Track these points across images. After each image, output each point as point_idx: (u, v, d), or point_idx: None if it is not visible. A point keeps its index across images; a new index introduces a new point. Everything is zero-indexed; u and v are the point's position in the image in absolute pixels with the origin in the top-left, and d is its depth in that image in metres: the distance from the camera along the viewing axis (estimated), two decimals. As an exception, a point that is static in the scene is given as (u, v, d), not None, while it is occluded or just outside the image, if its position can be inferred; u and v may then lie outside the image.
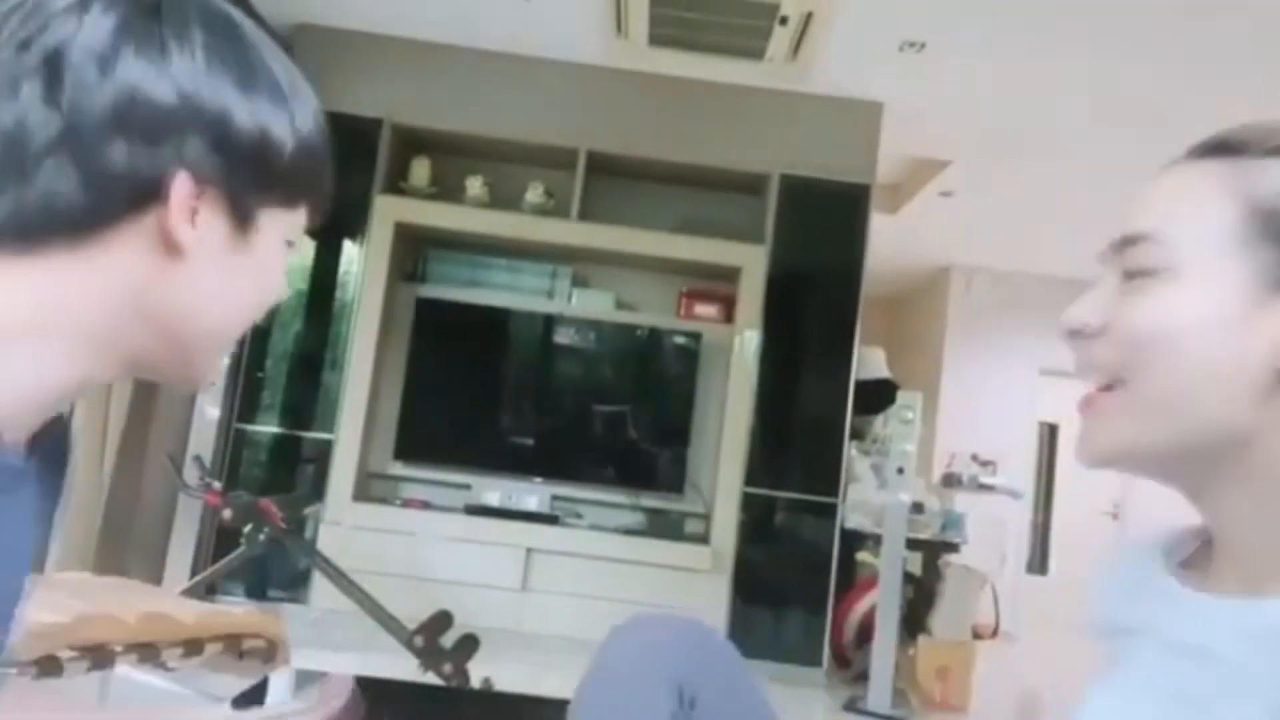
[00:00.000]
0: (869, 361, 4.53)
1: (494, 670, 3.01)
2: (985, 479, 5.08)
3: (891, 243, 6.24)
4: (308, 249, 4.15)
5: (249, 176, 0.59)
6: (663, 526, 4.18)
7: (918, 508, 4.29)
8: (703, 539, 4.08)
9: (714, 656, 1.11)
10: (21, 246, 0.54)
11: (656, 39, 3.82)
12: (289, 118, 0.62)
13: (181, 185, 0.56)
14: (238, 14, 0.61)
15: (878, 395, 4.50)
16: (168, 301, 0.58)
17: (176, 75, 0.56)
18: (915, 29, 3.57)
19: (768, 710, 1.10)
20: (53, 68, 0.53)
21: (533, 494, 4.13)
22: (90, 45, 0.53)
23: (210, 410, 3.99)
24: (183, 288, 0.58)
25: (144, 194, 0.55)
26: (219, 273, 0.59)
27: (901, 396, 3.95)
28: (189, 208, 0.56)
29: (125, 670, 1.83)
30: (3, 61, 0.53)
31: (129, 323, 0.57)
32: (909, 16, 3.48)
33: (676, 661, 1.08)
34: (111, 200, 0.55)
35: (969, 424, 6.81)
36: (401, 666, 2.94)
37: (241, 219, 0.60)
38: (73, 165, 0.53)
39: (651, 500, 4.23)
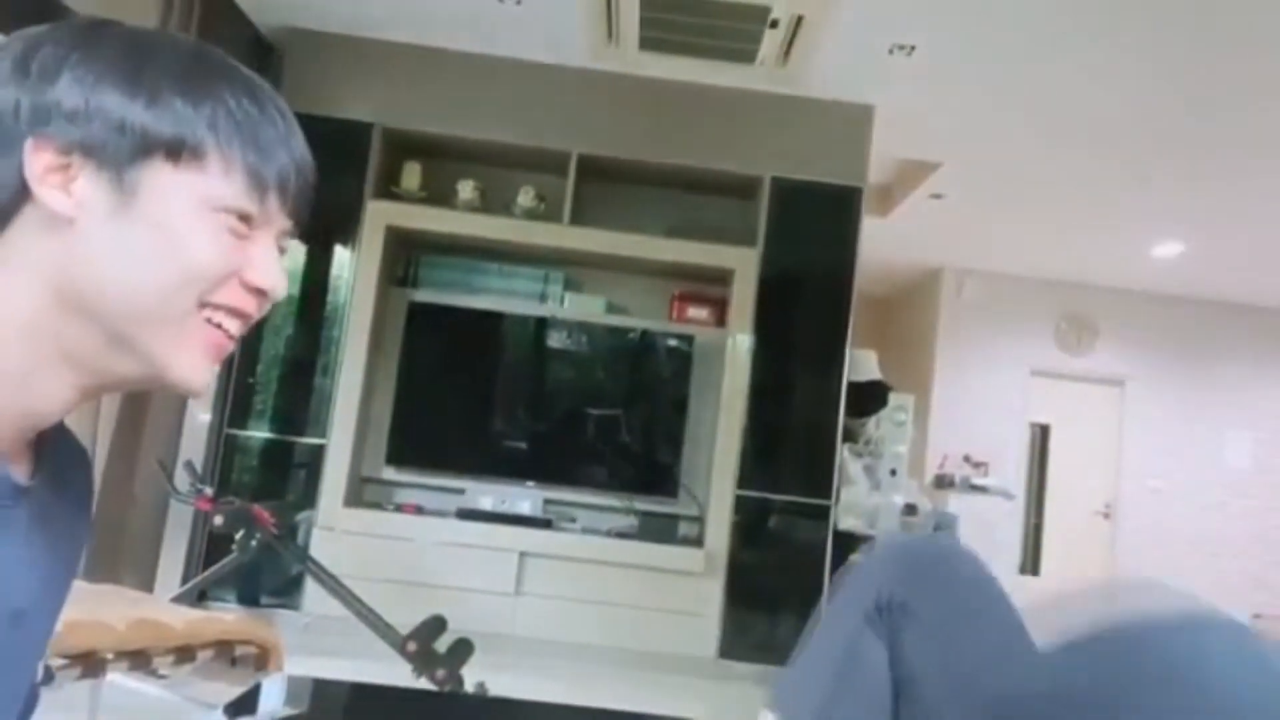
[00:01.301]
0: (861, 363, 4.54)
1: (488, 675, 3.00)
2: (977, 480, 5.09)
3: (883, 245, 6.25)
4: (299, 254, 4.15)
5: (109, 137, 0.59)
6: (656, 530, 4.18)
7: (910, 509, 4.29)
8: (696, 542, 4.07)
9: (928, 564, 1.23)
10: None
11: (647, 43, 3.83)
12: (136, 78, 0.61)
13: (34, 153, 0.58)
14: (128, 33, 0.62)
15: (870, 397, 4.51)
16: (75, 277, 0.59)
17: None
18: (905, 32, 3.58)
19: (1003, 607, 1.15)
20: None
21: (526, 498, 4.12)
22: None
23: (201, 415, 3.97)
24: (83, 261, 0.59)
25: (16, 181, 0.58)
26: (112, 238, 0.59)
27: (894, 398, 3.96)
28: (56, 175, 0.58)
29: (116, 678, 1.82)
30: None
31: (51, 310, 0.59)
32: (899, 20, 3.50)
33: (878, 572, 1.20)
34: None
35: (961, 425, 6.83)
36: (395, 672, 2.92)
37: (118, 181, 0.59)
38: None
39: (645, 503, 4.23)
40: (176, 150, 0.60)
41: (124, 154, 0.59)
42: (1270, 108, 3.84)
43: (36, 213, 0.58)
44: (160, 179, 0.60)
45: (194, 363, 0.62)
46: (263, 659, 2.03)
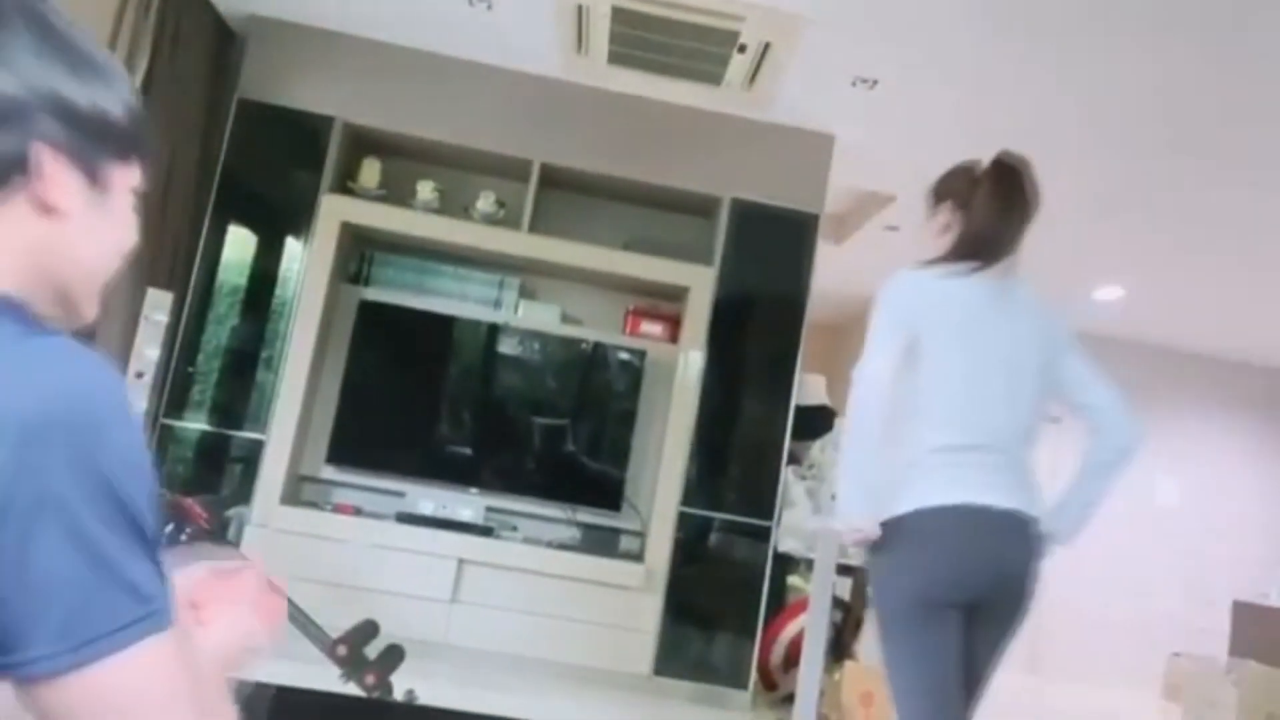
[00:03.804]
0: (809, 387, 4.59)
1: (418, 683, 2.96)
2: (916, 508, 5.18)
3: (836, 272, 6.34)
4: (248, 244, 4.07)
5: (95, 142, 0.70)
6: (597, 542, 4.17)
7: (850, 534, 4.34)
8: (637, 557, 4.07)
9: None
10: None
11: (616, 57, 3.85)
12: (115, 91, 0.73)
13: (48, 158, 0.67)
14: (51, 8, 0.71)
15: (816, 421, 4.56)
16: (59, 258, 0.69)
17: (17, 69, 0.66)
18: (868, 66, 3.65)
19: None
20: None
21: (467, 504, 4.08)
22: None
23: (136, 403, 3.86)
24: (67, 245, 0.70)
25: (9, 170, 0.66)
26: (89, 227, 0.71)
27: (839, 423, 4.01)
28: (61, 174, 0.68)
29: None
30: None
31: (27, 281, 0.67)
32: (863, 54, 3.57)
33: None
34: None
35: (903, 454, 6.94)
36: (322, 676, 2.87)
37: (96, 179, 0.71)
38: None
39: (587, 516, 4.22)
40: (129, 149, 0.74)
41: (108, 160, 0.72)
42: (1208, 169, 3.99)
43: (29, 200, 0.67)
44: (118, 175, 0.73)
45: (95, 306, 0.76)
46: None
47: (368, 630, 2.93)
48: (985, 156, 2.10)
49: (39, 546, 0.58)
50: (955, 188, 2.06)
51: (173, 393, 3.91)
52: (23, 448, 0.57)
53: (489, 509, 4.12)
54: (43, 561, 0.58)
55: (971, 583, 1.87)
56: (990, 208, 1.98)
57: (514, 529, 4.16)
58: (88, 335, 0.75)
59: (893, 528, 1.88)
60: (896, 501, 1.88)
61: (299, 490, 4.09)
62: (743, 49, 3.59)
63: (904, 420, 1.90)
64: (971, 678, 1.95)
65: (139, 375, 3.48)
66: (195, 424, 3.95)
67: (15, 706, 0.72)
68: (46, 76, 0.67)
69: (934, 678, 1.88)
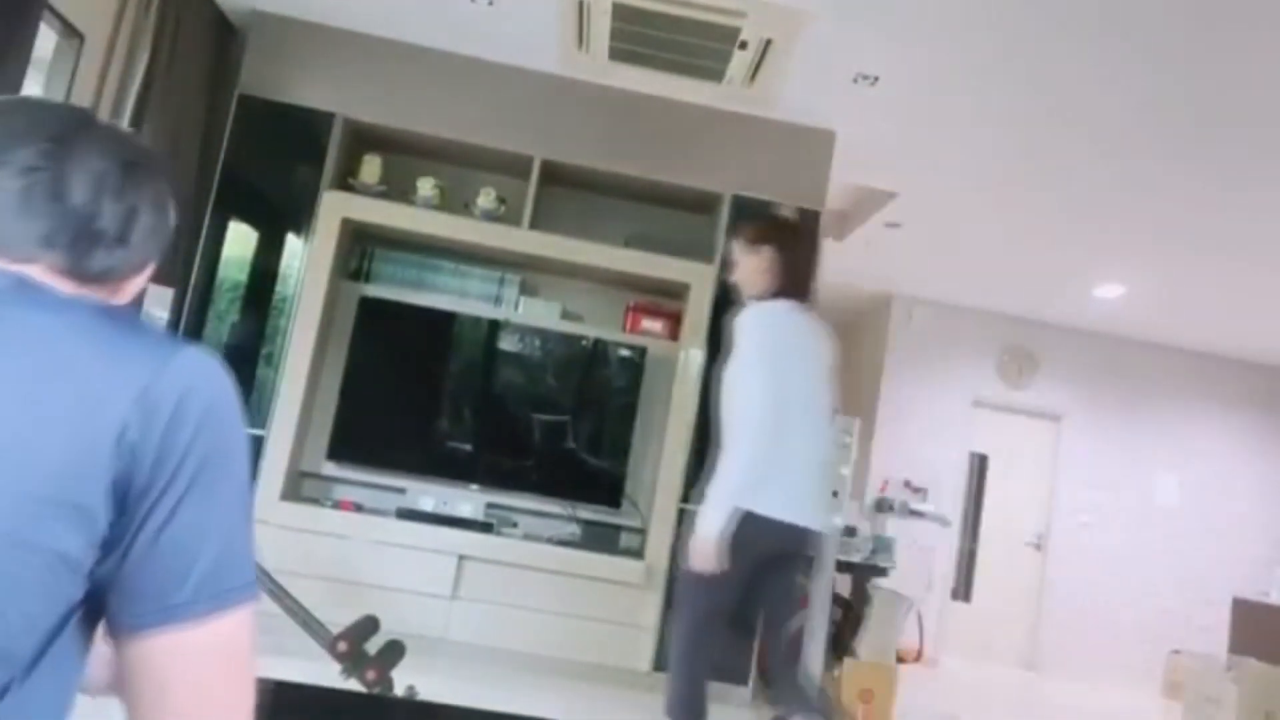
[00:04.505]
0: (809, 385, 4.59)
1: (419, 679, 2.96)
2: (916, 506, 5.18)
3: (837, 269, 6.35)
4: (249, 240, 4.07)
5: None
6: (598, 539, 4.17)
7: (850, 531, 4.35)
8: (637, 554, 4.07)
9: None
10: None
11: (617, 54, 3.85)
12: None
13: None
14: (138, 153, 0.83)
15: (816, 418, 4.56)
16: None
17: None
18: (869, 63, 3.65)
19: None
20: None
21: (468, 501, 4.08)
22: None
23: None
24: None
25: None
26: None
27: (840, 421, 4.01)
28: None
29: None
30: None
31: None
32: (864, 51, 3.56)
33: None
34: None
35: (903, 451, 6.95)
36: (323, 672, 2.87)
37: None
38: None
39: (588, 512, 4.22)
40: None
41: None
42: (1208, 167, 3.99)
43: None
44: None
45: None
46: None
47: (368, 626, 2.93)
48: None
49: (216, 496, 0.70)
50: (775, 236, 2.52)
51: (173, 389, 3.91)
52: (206, 415, 0.71)
53: (489, 505, 4.13)
54: (217, 510, 0.70)
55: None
56: (807, 255, 2.55)
57: (514, 525, 4.16)
58: None
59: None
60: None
61: (299, 486, 4.09)
62: (744, 45, 3.58)
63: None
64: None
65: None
66: (196, 420, 3.95)
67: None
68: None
69: None
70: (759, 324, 2.36)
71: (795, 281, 2.46)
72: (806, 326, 2.45)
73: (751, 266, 2.49)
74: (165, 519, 0.68)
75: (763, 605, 2.54)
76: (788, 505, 2.32)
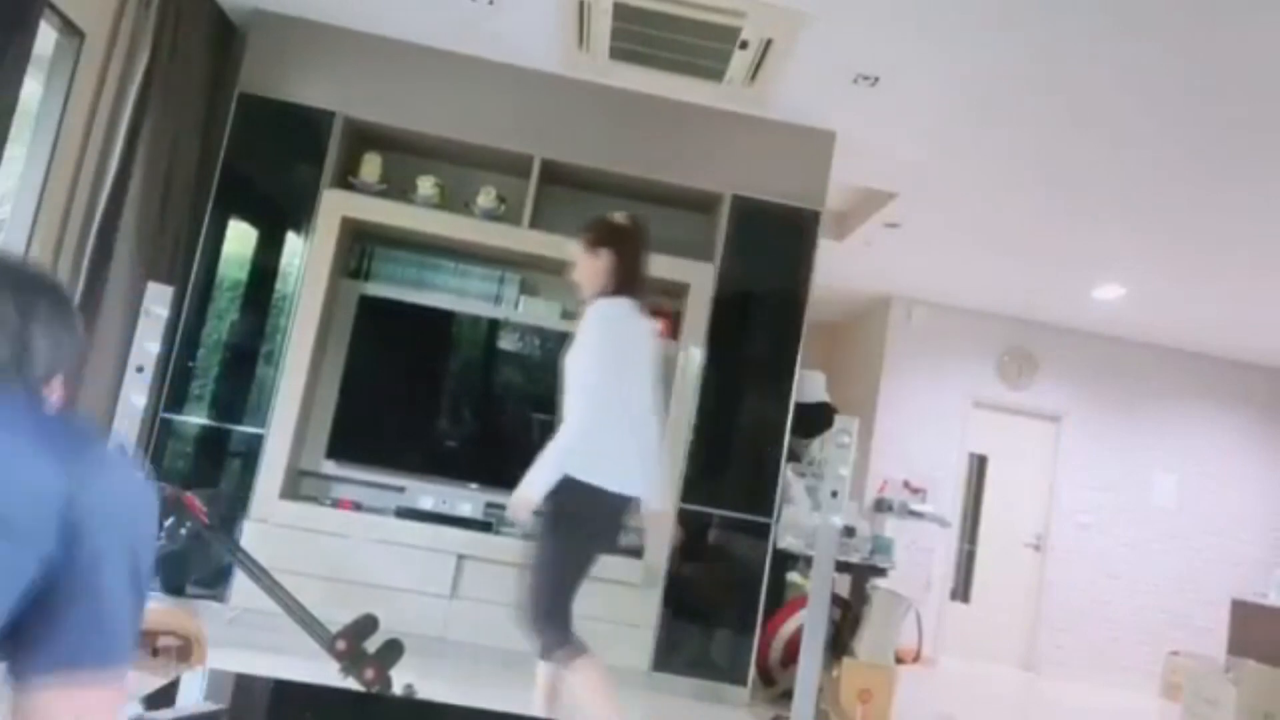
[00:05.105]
0: (809, 384, 4.59)
1: (417, 678, 2.96)
2: (915, 506, 5.18)
3: (836, 269, 6.35)
4: (249, 239, 4.07)
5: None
6: (597, 539, 4.16)
7: (849, 531, 4.35)
8: (636, 553, 4.07)
9: None
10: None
11: (618, 53, 3.85)
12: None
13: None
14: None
15: (816, 418, 4.57)
16: None
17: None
18: (870, 64, 3.65)
19: None
20: None
21: (467, 500, 4.08)
22: None
23: (136, 398, 3.86)
24: None
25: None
26: None
27: (839, 420, 4.01)
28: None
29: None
30: None
31: None
32: (864, 51, 3.56)
33: None
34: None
35: (902, 451, 6.95)
36: (321, 670, 2.87)
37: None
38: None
39: (587, 512, 4.21)
40: None
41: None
42: (1208, 168, 3.99)
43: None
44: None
45: None
46: (185, 651, 1.98)
47: (367, 625, 2.93)
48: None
49: (111, 578, 0.81)
50: (612, 240, 2.73)
51: (173, 387, 3.91)
52: (111, 518, 0.82)
53: (488, 504, 4.12)
54: (107, 589, 0.81)
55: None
56: (642, 257, 2.77)
57: (513, 524, 4.15)
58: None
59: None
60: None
61: (299, 485, 4.09)
62: (744, 45, 3.58)
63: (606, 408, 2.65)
64: None
65: (139, 370, 3.47)
66: (195, 418, 3.95)
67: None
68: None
69: None
70: (603, 317, 2.63)
71: (630, 281, 2.71)
72: (641, 322, 2.73)
73: (590, 268, 2.73)
74: (76, 590, 0.79)
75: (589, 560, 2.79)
76: (619, 476, 2.62)
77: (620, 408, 2.65)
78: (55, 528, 0.78)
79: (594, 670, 2.51)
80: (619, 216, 2.82)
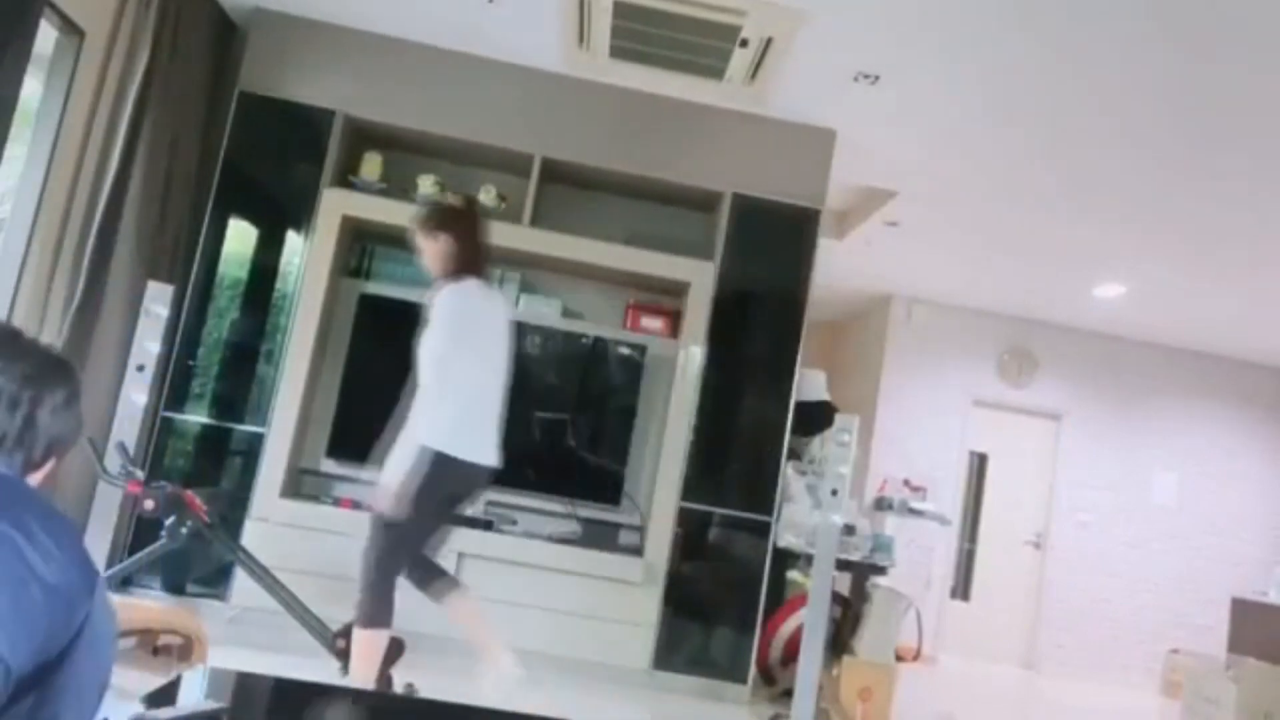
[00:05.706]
0: (810, 383, 4.59)
1: (418, 677, 2.97)
2: (915, 504, 5.17)
3: (837, 268, 6.35)
4: (250, 238, 4.06)
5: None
6: (597, 537, 4.17)
7: (849, 530, 4.35)
8: (637, 551, 4.08)
9: None
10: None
11: (618, 52, 3.84)
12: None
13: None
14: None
15: (816, 416, 4.56)
16: None
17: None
18: (870, 62, 3.65)
19: None
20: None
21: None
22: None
23: (136, 396, 3.86)
24: None
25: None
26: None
27: (839, 419, 4.00)
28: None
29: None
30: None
31: None
32: (865, 49, 3.56)
33: None
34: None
35: (902, 449, 6.95)
36: (322, 669, 2.87)
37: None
38: None
39: (587, 510, 4.22)
40: None
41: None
42: (1208, 167, 3.99)
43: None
44: None
45: None
46: (186, 650, 1.98)
47: (368, 623, 2.92)
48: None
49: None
50: (449, 224, 2.85)
51: (173, 386, 3.91)
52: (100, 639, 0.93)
53: (489, 503, 4.13)
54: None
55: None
56: (481, 239, 2.90)
57: (514, 523, 4.16)
58: None
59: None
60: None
61: (299, 483, 4.10)
62: (744, 44, 3.58)
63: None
64: None
65: (139, 368, 3.48)
66: (196, 417, 3.96)
67: None
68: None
69: None
70: (451, 301, 2.74)
71: (473, 260, 2.83)
72: (488, 299, 2.87)
73: (432, 252, 2.84)
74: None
75: (438, 528, 2.94)
76: (476, 448, 2.74)
77: (471, 387, 2.77)
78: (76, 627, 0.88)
79: (380, 642, 2.70)
80: (454, 198, 2.99)
